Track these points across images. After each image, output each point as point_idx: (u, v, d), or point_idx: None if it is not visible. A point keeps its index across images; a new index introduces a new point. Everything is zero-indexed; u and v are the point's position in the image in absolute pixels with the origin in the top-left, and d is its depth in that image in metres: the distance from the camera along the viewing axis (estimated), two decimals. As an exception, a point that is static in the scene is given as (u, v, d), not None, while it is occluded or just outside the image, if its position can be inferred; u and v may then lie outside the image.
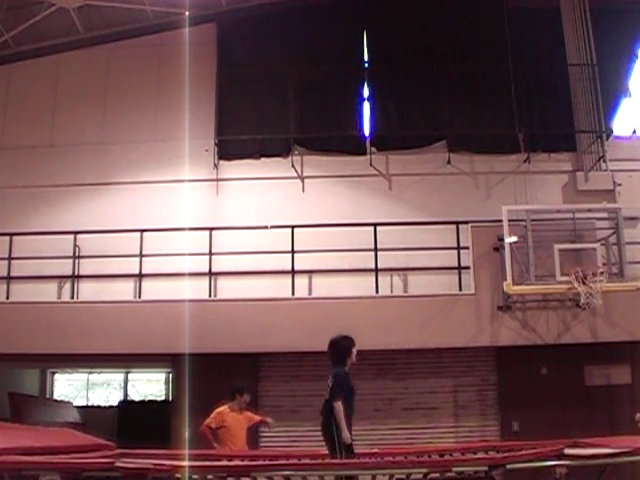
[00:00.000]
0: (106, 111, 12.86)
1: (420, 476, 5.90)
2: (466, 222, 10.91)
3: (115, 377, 16.93)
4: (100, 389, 17.21)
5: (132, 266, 11.54)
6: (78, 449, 6.37)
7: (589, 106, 12.30)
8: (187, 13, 12.56)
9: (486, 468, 5.81)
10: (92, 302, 10.92)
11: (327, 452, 6.55)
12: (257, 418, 8.85)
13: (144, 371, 16.50)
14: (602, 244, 10.10)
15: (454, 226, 11.24)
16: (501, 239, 10.11)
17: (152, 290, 11.43)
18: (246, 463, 6.34)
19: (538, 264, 9.85)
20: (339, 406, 6.41)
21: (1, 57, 13.10)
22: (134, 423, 12.52)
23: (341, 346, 6.78)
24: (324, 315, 9.92)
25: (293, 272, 11.22)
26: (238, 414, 8.63)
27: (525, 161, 12.27)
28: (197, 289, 11.21)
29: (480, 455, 6.81)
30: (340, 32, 12.88)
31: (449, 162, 12.29)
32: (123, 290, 11.55)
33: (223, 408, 8.61)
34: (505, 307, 10.25)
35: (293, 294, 11.09)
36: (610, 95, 12.48)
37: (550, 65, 12.60)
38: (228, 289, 11.44)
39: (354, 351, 6.78)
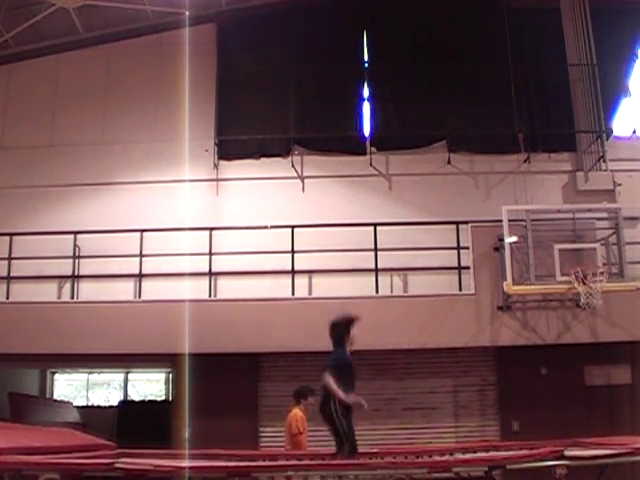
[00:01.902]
0: (106, 111, 12.86)
1: (420, 476, 5.91)
2: (466, 222, 10.92)
3: (115, 377, 16.93)
4: (100, 389, 17.21)
5: (132, 266, 11.54)
6: (78, 449, 6.39)
7: (589, 106, 12.30)
8: (187, 13, 12.56)
9: (486, 468, 5.81)
10: (92, 302, 10.92)
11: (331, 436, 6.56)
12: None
13: (144, 371, 16.50)
14: (602, 244, 10.10)
15: (454, 226, 11.24)
16: (501, 239, 10.12)
17: (152, 290, 11.43)
18: (246, 463, 6.34)
19: (538, 264, 9.86)
20: (327, 378, 6.51)
21: (1, 57, 13.09)
22: (134, 423, 12.52)
23: (338, 327, 6.76)
24: (324, 315, 9.83)
25: (293, 272, 11.22)
26: (305, 417, 8.64)
27: (525, 161, 12.27)
28: (197, 289, 11.21)
29: (480, 455, 6.81)
30: (340, 32, 12.88)
31: (449, 162, 12.29)
32: (123, 290, 11.55)
33: (300, 414, 8.59)
34: (505, 307, 10.25)
35: (293, 294, 11.09)
36: (610, 95, 12.48)
37: (550, 65, 12.59)
38: (228, 289, 11.44)
39: (353, 330, 6.77)
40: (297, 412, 8.61)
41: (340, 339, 6.70)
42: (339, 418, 6.45)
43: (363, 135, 12.59)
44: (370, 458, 6.86)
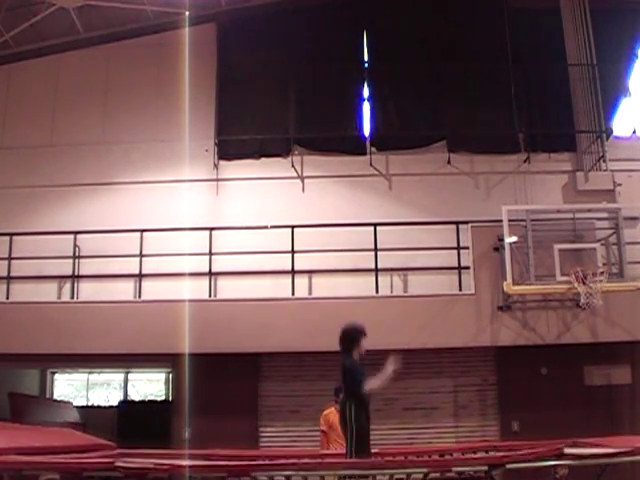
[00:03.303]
0: (106, 111, 12.86)
1: (420, 476, 5.91)
2: (466, 222, 10.91)
3: (115, 377, 16.92)
4: (100, 389, 17.21)
5: (132, 266, 11.54)
6: (78, 449, 6.39)
7: (589, 106, 12.30)
8: (187, 13, 12.56)
9: (486, 468, 5.81)
10: (92, 302, 10.92)
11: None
12: None
13: (144, 371, 16.50)
14: (602, 244, 10.10)
15: (454, 226, 11.24)
16: (501, 239, 10.11)
17: (152, 290, 11.43)
18: (246, 463, 6.34)
19: (538, 264, 9.85)
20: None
21: (1, 57, 13.09)
22: (134, 423, 12.50)
23: (348, 337, 6.72)
24: (324, 315, 9.91)
25: (293, 272, 11.22)
26: (336, 415, 8.62)
27: (525, 161, 12.27)
28: (197, 289, 11.20)
29: (480, 455, 6.81)
30: (340, 32, 12.88)
31: (449, 162, 12.30)
32: (123, 290, 11.55)
33: (329, 410, 8.60)
34: (505, 307, 10.25)
35: (293, 294, 11.09)
36: (610, 95, 12.48)
37: (550, 65, 12.59)
38: (228, 289, 11.44)
39: (363, 342, 6.64)
40: (329, 410, 8.60)
41: (348, 349, 6.62)
42: (351, 418, 6.38)
43: (363, 135, 12.59)
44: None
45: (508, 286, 9.75)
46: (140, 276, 11.55)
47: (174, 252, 11.50)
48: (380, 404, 10.62)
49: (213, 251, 11.50)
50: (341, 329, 6.69)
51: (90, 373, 16.61)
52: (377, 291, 10.88)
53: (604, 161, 12.04)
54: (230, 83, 12.79)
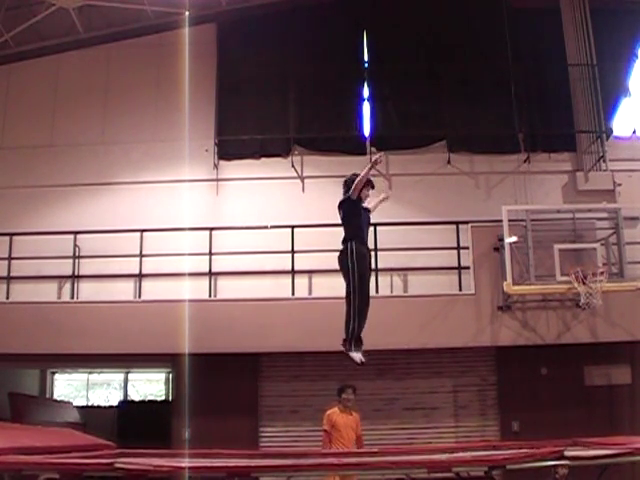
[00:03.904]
0: (106, 111, 12.86)
1: (420, 476, 5.91)
2: (466, 222, 10.92)
3: (115, 377, 16.93)
4: (100, 389, 17.21)
5: (132, 266, 11.55)
6: (78, 449, 6.39)
7: (589, 106, 12.30)
8: (187, 13, 12.55)
9: (486, 468, 5.81)
10: (92, 302, 10.93)
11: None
12: (360, 431, 8.70)
13: (144, 371, 16.50)
14: (602, 244, 10.10)
15: (454, 226, 11.24)
16: (501, 239, 10.12)
17: (152, 290, 11.43)
18: (246, 463, 6.33)
19: (538, 264, 9.86)
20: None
21: (1, 57, 13.09)
22: (134, 423, 12.51)
23: (350, 180, 6.98)
24: (324, 315, 9.90)
25: (293, 272, 11.22)
26: (348, 415, 8.61)
27: (525, 161, 12.27)
28: (197, 289, 11.20)
29: (480, 455, 6.80)
30: (340, 32, 12.88)
31: (449, 162, 12.30)
32: (123, 290, 11.55)
33: (332, 410, 8.63)
34: (505, 307, 10.25)
35: (293, 294, 11.09)
36: (610, 95, 12.48)
37: (550, 65, 12.59)
38: (228, 289, 11.44)
39: (367, 188, 6.98)
40: (333, 410, 8.62)
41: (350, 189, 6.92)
42: (352, 262, 6.66)
43: (363, 135, 12.59)
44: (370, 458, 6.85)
45: (508, 286, 9.75)
46: (140, 276, 11.55)
47: (174, 252, 11.50)
48: (380, 404, 10.65)
49: (213, 251, 11.50)
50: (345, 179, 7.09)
51: (90, 373, 16.61)
52: (377, 291, 10.86)
53: (604, 161, 12.04)
54: (230, 83, 12.79)
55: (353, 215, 6.96)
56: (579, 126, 12.40)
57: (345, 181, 7.14)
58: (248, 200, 12.28)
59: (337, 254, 6.94)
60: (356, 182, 6.82)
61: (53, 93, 13.00)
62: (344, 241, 6.91)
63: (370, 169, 6.81)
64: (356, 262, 6.71)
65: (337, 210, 7.13)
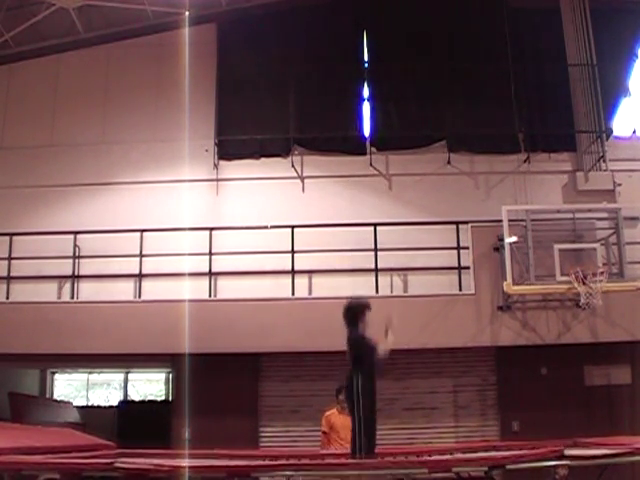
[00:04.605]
0: (106, 111, 12.86)
1: (420, 476, 5.90)
2: (466, 222, 10.91)
3: (115, 377, 16.92)
4: (100, 389, 17.21)
5: (132, 266, 11.54)
6: (78, 449, 6.39)
7: (589, 106, 12.30)
8: (187, 13, 12.55)
9: (486, 468, 5.81)
10: (92, 302, 10.93)
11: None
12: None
13: (144, 371, 16.50)
14: (602, 244, 10.09)
15: (454, 226, 11.23)
16: (501, 239, 10.11)
17: (152, 290, 11.43)
18: (246, 463, 6.33)
19: (538, 264, 9.85)
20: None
21: (1, 57, 13.09)
22: (134, 423, 12.51)
23: (351, 310, 6.73)
24: (324, 315, 9.88)
25: (293, 272, 11.22)
26: (346, 416, 8.57)
27: (525, 161, 12.27)
28: (197, 289, 11.20)
29: (480, 455, 6.80)
30: (340, 32, 12.88)
31: (449, 162, 12.29)
32: (123, 290, 11.55)
33: (331, 411, 8.63)
34: (505, 307, 10.25)
35: (293, 294, 11.09)
36: (610, 95, 12.48)
37: (550, 65, 12.58)
38: (228, 289, 11.44)
39: (367, 315, 6.73)
40: (331, 411, 8.62)
41: (353, 321, 6.64)
42: (359, 397, 6.37)
43: (363, 135, 12.59)
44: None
45: (508, 286, 9.75)
46: (140, 276, 11.55)
47: (174, 252, 11.49)
48: (380, 404, 10.59)
49: (213, 251, 11.50)
50: (345, 303, 6.76)
51: (90, 373, 16.61)
52: (377, 291, 10.87)
53: (604, 161, 12.03)
54: (230, 83, 12.79)
55: (365, 355, 6.60)
56: (579, 126, 12.40)
57: (347, 309, 6.75)
58: (248, 200, 12.28)
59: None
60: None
61: (53, 93, 13.00)
62: (349, 377, 6.58)
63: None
64: (361, 398, 6.41)
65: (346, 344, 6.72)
